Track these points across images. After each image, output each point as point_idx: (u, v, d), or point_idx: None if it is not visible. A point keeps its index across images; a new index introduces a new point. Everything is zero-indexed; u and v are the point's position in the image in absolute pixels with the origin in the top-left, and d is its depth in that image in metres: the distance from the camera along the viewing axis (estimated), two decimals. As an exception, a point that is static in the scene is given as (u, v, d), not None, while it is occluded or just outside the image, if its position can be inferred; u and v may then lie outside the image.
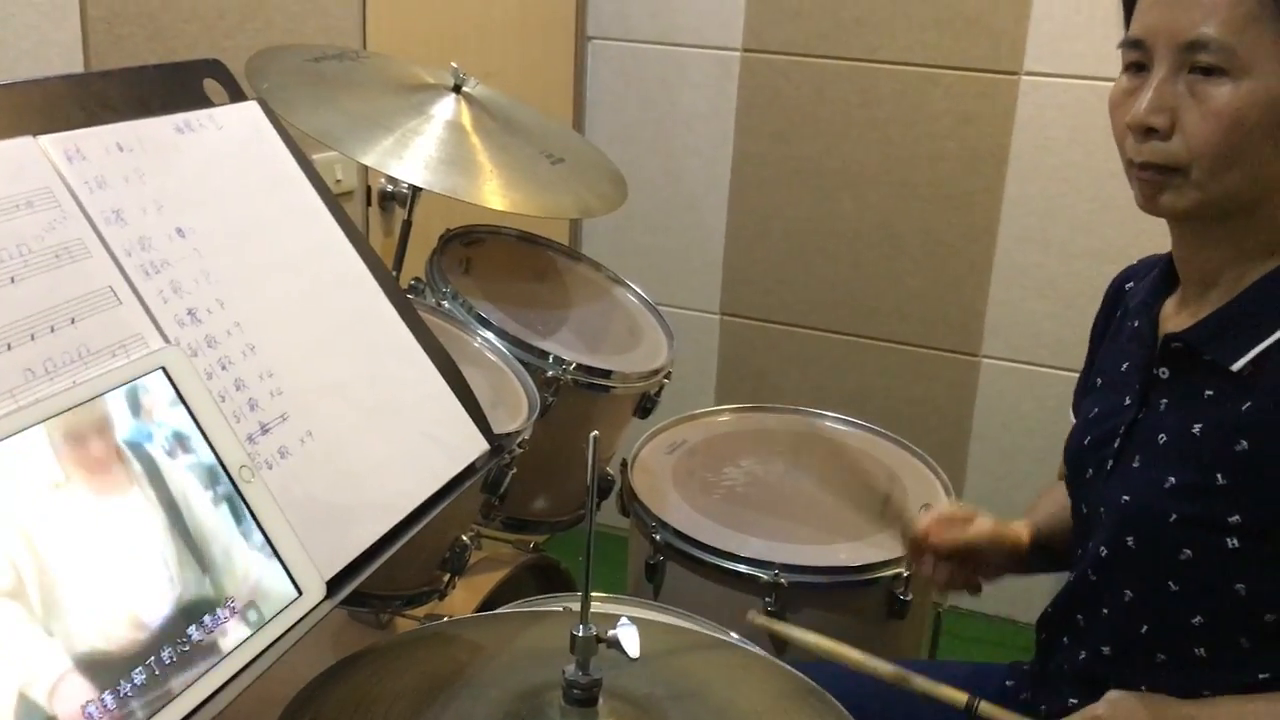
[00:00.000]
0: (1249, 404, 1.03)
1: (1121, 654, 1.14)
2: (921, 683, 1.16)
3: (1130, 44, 1.06)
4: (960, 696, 1.14)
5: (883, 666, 1.17)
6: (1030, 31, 2.33)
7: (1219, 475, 1.04)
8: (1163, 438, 1.09)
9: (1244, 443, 1.02)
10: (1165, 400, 1.11)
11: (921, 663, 1.41)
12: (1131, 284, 1.26)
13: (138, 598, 0.69)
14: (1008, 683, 1.32)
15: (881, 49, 2.43)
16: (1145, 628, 1.11)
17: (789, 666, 1.01)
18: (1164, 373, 1.12)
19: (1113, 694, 1.08)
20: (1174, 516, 1.06)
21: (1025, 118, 2.37)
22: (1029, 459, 2.49)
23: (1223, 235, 1.08)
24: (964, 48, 2.38)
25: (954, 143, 2.43)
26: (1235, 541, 1.03)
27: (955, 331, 2.53)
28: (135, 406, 0.74)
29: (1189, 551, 1.06)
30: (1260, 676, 1.06)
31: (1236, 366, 1.05)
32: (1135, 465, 1.12)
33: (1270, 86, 0.99)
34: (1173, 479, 1.07)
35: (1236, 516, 1.03)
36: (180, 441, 0.76)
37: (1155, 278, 1.19)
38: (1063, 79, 2.33)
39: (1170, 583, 1.08)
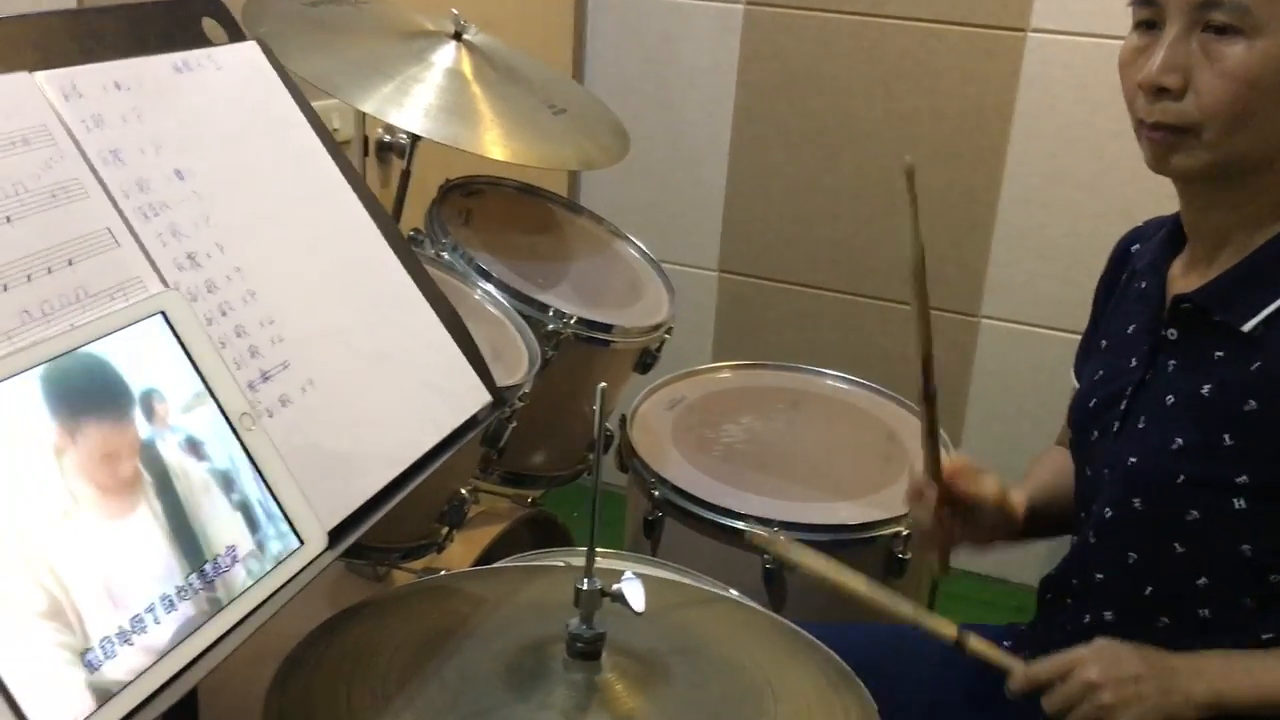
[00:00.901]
0: (1259, 364, 1.02)
1: (1125, 617, 1.14)
2: (913, 611, 1.14)
3: (1141, 1, 1.04)
4: (950, 630, 1.14)
5: (877, 594, 1.16)
6: (1037, -13, 2.30)
7: (1226, 436, 1.03)
8: (1170, 399, 1.09)
9: (1253, 402, 1.02)
10: (1173, 362, 1.10)
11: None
12: (1138, 245, 1.25)
13: (135, 544, 0.68)
14: (1004, 643, 1.31)
15: (886, 3, 2.40)
16: (1149, 589, 1.11)
17: (790, 623, 1.01)
18: (1172, 334, 1.11)
19: (1100, 640, 1.08)
20: (1181, 477, 1.06)
21: (1031, 75, 2.34)
22: (1027, 420, 2.49)
23: (1232, 197, 1.07)
24: (970, 3, 2.34)
25: (958, 100, 2.40)
26: (1242, 502, 1.03)
27: (955, 291, 2.51)
28: (134, 355, 0.73)
29: (1195, 513, 1.05)
30: (1263, 637, 1.06)
31: (1247, 327, 1.04)
32: (1141, 426, 1.11)
33: None
34: (1180, 440, 1.06)
35: (1244, 477, 1.02)
36: (180, 387, 0.75)
37: (1163, 238, 1.18)
38: (1069, 36, 2.29)
39: (1176, 544, 1.07)
